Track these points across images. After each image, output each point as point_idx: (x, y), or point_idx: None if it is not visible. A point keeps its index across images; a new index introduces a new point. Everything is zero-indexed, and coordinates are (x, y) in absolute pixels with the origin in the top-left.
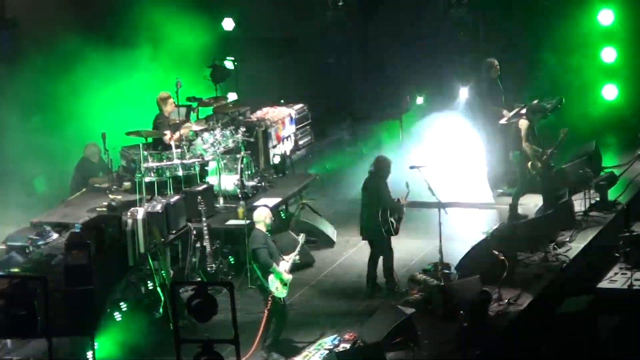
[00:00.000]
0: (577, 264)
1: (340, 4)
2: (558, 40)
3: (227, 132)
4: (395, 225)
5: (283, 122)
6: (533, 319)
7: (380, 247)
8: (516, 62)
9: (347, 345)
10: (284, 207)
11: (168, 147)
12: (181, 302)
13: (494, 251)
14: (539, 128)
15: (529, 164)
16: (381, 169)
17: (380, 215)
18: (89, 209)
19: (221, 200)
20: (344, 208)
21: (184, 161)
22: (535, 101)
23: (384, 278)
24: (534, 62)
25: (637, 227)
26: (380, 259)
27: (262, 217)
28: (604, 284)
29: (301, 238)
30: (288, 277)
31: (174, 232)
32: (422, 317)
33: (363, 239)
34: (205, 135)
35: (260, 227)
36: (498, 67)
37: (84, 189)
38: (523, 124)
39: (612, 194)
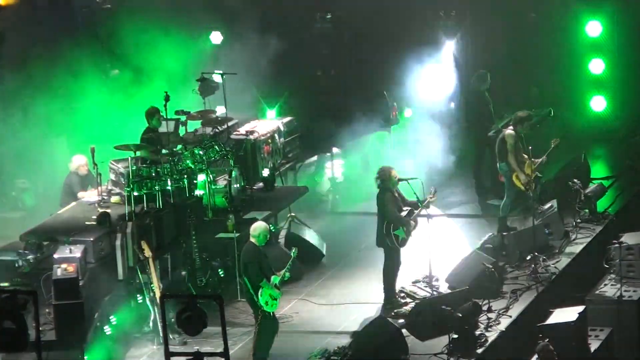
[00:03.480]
0: (566, 275)
1: (328, 16)
2: (546, 52)
3: (216, 146)
4: (400, 239)
5: (272, 135)
6: (523, 331)
7: (386, 257)
8: (505, 74)
9: (337, 358)
10: (273, 220)
11: (157, 160)
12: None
13: (483, 263)
14: (529, 139)
15: (514, 175)
16: (384, 180)
17: (384, 228)
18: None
19: (210, 214)
20: (333, 220)
21: (173, 175)
22: (522, 111)
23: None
24: (522, 74)
25: (626, 238)
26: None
27: (258, 232)
28: (593, 295)
29: (293, 252)
30: (278, 291)
31: (163, 245)
32: (411, 328)
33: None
34: (194, 148)
35: (254, 240)
36: (488, 80)
37: (73, 203)
38: (509, 135)
39: (600, 205)
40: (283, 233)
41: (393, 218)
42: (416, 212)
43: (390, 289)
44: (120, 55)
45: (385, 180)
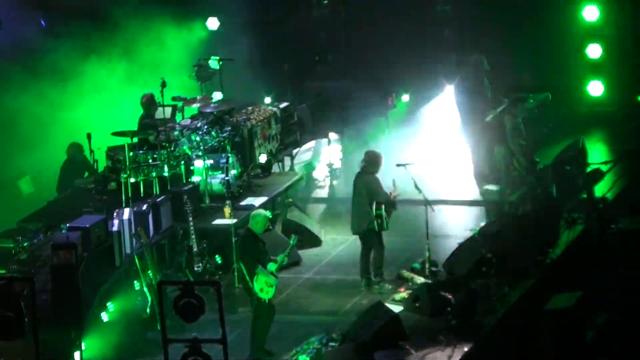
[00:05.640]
0: (564, 260)
1: (324, 1)
2: (543, 37)
3: (213, 132)
4: (387, 220)
5: (269, 121)
6: (521, 316)
7: (372, 242)
8: (502, 59)
9: (335, 345)
10: (270, 206)
11: (153, 147)
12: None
13: (481, 249)
14: (525, 123)
15: (514, 160)
16: (371, 164)
17: (374, 210)
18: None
19: (207, 200)
20: (330, 206)
21: (170, 161)
22: (517, 94)
23: (374, 272)
24: (519, 59)
25: (624, 222)
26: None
27: (257, 219)
28: (591, 279)
29: (292, 240)
30: (274, 279)
31: (160, 232)
32: (410, 315)
33: (354, 234)
34: (191, 135)
35: (253, 228)
36: (485, 63)
37: (70, 190)
38: (509, 120)
39: (598, 190)
40: (280, 219)
41: (385, 199)
42: (391, 195)
43: (381, 272)
44: (117, 41)
45: (372, 165)
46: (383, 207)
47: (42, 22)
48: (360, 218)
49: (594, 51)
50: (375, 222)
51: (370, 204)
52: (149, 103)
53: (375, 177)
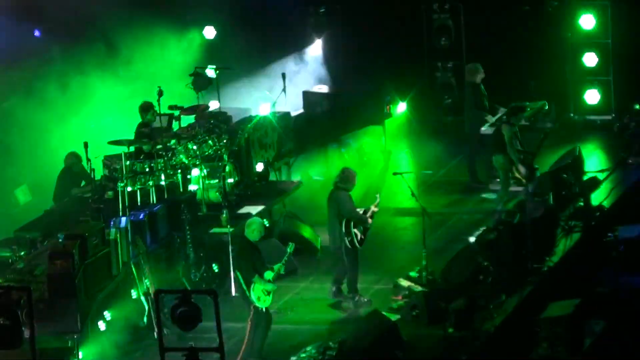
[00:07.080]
0: (561, 268)
1: (322, 10)
2: (540, 45)
3: (210, 140)
4: (359, 237)
5: (265, 129)
6: (518, 324)
7: (348, 259)
8: (498, 67)
9: (332, 353)
10: (267, 215)
11: (150, 156)
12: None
13: (478, 257)
14: (522, 131)
15: (514, 169)
16: (344, 180)
17: (343, 226)
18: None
19: (204, 209)
20: (327, 215)
21: (167, 169)
22: (516, 103)
23: (348, 291)
24: (516, 67)
25: (621, 231)
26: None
27: (253, 227)
28: (589, 287)
29: (289, 247)
30: (271, 287)
31: (157, 240)
32: (407, 323)
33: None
34: (188, 143)
35: (248, 236)
36: (482, 71)
37: (67, 199)
38: (506, 129)
39: (595, 199)
40: (277, 227)
41: (355, 216)
42: (370, 211)
43: (356, 289)
44: (115, 50)
45: (345, 182)
46: (352, 223)
47: (38, 32)
48: (333, 234)
49: (590, 59)
50: (346, 239)
51: (339, 220)
52: (141, 109)
53: (345, 194)
